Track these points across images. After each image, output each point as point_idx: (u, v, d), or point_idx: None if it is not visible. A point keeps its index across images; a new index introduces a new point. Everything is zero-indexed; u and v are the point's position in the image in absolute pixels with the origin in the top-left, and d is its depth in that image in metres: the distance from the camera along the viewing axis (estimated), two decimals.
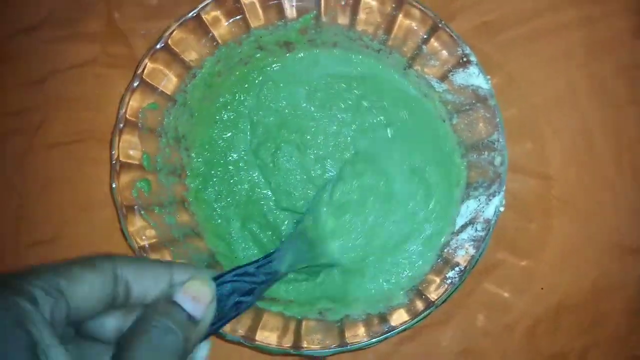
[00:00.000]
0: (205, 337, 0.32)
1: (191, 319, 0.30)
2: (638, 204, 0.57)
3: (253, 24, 0.53)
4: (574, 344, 0.55)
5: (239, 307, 0.35)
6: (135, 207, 0.48)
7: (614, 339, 0.55)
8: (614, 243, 0.56)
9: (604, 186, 0.57)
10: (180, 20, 0.51)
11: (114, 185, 0.47)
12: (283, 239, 0.55)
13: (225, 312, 0.34)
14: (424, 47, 0.52)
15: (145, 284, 0.30)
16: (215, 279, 0.34)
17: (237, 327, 0.46)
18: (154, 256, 0.47)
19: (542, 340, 0.56)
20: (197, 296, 0.31)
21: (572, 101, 0.58)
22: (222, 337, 0.45)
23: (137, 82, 0.50)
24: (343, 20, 0.54)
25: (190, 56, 0.53)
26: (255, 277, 0.38)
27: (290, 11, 0.54)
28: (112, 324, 0.30)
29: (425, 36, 0.51)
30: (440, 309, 0.54)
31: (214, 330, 0.33)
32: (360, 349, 0.45)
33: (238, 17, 0.53)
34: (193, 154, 0.55)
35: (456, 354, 0.56)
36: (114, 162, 0.48)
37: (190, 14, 0.51)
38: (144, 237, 0.48)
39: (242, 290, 0.36)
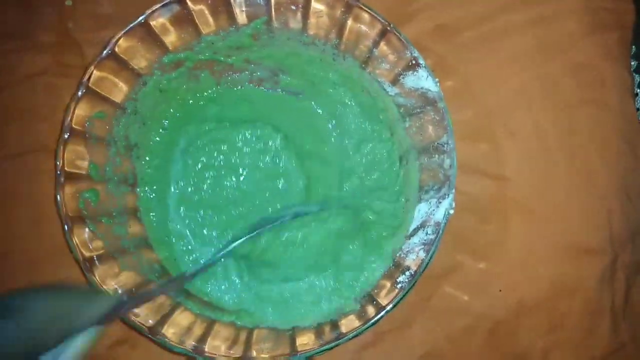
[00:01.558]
0: None
1: None
2: (592, 204, 0.57)
3: (204, 30, 0.53)
4: (534, 345, 0.55)
5: None
6: (82, 218, 0.47)
7: (573, 340, 0.55)
8: (569, 244, 0.56)
9: (558, 187, 0.57)
10: (127, 28, 0.50)
11: (58, 197, 0.46)
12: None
13: None
14: (374, 50, 0.52)
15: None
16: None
17: (185, 339, 0.45)
18: (101, 267, 0.46)
19: (503, 342, 0.55)
20: None
21: (526, 102, 0.58)
22: (168, 349, 0.44)
23: (83, 91, 0.49)
24: (295, 24, 0.53)
25: (140, 64, 0.52)
26: None
27: (241, 17, 0.53)
28: None
29: (375, 40, 0.51)
30: (401, 313, 0.54)
31: None
32: (311, 357, 0.44)
33: (188, 23, 0.52)
34: (144, 162, 0.55)
35: (418, 358, 0.55)
36: (58, 172, 0.47)
37: (137, 21, 0.50)
38: (90, 249, 0.47)
39: None
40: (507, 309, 0.56)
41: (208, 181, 0.56)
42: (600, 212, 0.57)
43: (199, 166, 0.56)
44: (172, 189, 0.56)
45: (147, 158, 0.55)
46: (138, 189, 0.54)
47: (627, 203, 0.57)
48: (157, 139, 0.56)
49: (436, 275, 0.55)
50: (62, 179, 0.47)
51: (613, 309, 0.56)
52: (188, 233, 0.55)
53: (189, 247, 0.55)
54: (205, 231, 0.55)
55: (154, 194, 0.55)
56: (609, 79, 0.59)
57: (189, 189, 0.56)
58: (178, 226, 0.55)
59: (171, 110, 0.56)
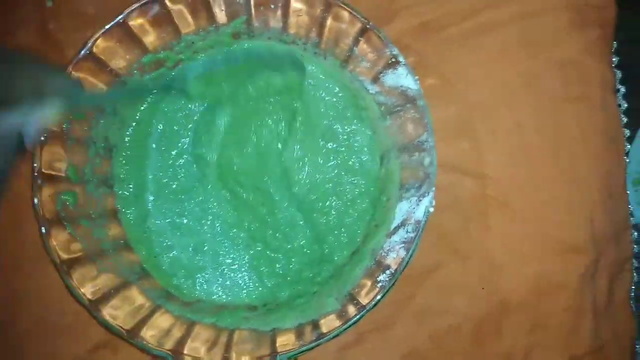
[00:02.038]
0: None
1: None
2: (574, 202, 0.57)
3: (183, 29, 0.53)
4: (518, 344, 0.55)
5: None
6: (60, 220, 0.47)
7: (557, 338, 0.55)
8: (552, 242, 0.56)
9: (542, 184, 0.57)
10: (104, 28, 0.50)
11: (35, 199, 0.46)
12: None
13: None
14: (354, 49, 0.51)
15: None
16: None
17: (164, 341, 0.44)
18: (78, 270, 0.46)
19: (486, 341, 0.55)
20: None
21: (508, 99, 0.58)
22: (147, 351, 0.44)
23: None
24: (275, 24, 0.53)
25: (119, 64, 0.51)
26: None
27: (221, 16, 0.53)
28: None
29: (355, 38, 0.51)
30: (384, 313, 0.54)
31: None
32: (291, 357, 0.44)
33: (167, 23, 0.52)
34: (121, 159, 0.54)
35: (401, 358, 0.55)
36: (35, 174, 0.46)
37: (114, 22, 0.50)
38: (68, 251, 0.46)
39: None
40: (490, 307, 0.55)
41: (183, 166, 0.56)
42: (583, 210, 0.57)
43: (174, 152, 0.56)
44: (149, 182, 0.55)
45: (124, 154, 0.54)
46: (116, 188, 0.53)
47: (610, 201, 0.57)
48: (130, 131, 0.55)
49: (418, 274, 0.55)
50: (40, 181, 0.46)
51: (595, 308, 0.56)
52: (167, 226, 0.55)
53: (168, 242, 0.54)
54: (185, 221, 0.55)
55: (131, 190, 0.54)
56: (591, 76, 0.59)
57: (165, 180, 0.56)
58: (157, 222, 0.55)
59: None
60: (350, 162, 0.55)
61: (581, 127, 0.58)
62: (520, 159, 0.57)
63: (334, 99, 0.56)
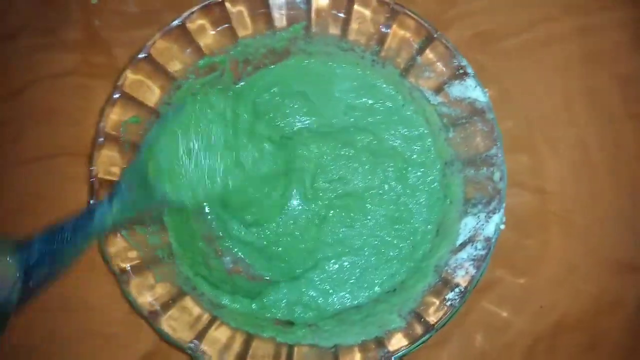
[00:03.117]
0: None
1: None
2: (634, 220, 0.55)
3: (240, 33, 0.51)
4: None
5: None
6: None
7: (614, 359, 0.54)
8: (612, 260, 0.55)
9: (602, 201, 0.55)
10: (164, 30, 0.49)
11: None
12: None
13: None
14: (418, 58, 0.50)
15: None
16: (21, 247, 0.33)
17: (225, 356, 0.43)
18: (136, 279, 0.44)
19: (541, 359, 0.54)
20: None
21: (569, 114, 0.57)
22: None
23: (118, 95, 0.47)
24: (334, 30, 0.52)
25: (174, 67, 0.50)
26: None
27: (280, 20, 0.52)
28: None
29: (419, 47, 0.50)
30: None
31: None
32: None
33: (225, 25, 0.51)
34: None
35: None
36: (92, 179, 0.45)
37: (175, 23, 0.49)
38: (125, 259, 0.45)
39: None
40: (546, 325, 0.54)
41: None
42: None
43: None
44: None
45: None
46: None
47: None
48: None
49: (475, 290, 0.53)
50: (97, 186, 0.45)
51: None
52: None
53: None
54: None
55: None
56: None
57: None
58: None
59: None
60: (409, 177, 0.53)
61: None
62: (580, 174, 0.56)
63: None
